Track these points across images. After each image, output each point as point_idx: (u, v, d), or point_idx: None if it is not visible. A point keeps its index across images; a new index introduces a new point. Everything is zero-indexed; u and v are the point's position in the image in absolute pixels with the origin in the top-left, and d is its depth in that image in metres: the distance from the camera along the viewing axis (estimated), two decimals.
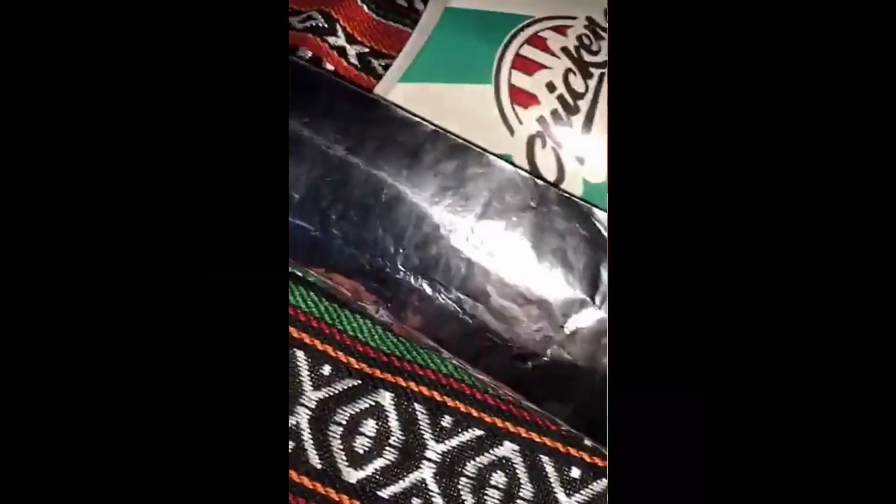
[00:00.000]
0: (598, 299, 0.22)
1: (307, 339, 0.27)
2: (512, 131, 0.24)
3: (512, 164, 0.24)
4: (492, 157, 0.23)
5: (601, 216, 0.23)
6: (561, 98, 0.24)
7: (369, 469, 0.25)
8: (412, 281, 0.23)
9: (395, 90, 0.25)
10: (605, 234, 0.22)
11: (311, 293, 0.27)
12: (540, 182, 0.23)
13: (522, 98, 0.24)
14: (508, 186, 0.23)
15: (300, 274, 0.25)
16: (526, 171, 0.23)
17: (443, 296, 0.23)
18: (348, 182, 0.23)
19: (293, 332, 0.27)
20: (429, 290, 0.23)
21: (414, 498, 0.24)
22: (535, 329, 0.22)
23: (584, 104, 0.24)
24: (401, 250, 0.23)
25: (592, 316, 0.22)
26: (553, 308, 0.22)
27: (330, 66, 0.29)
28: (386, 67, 0.26)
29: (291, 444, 0.25)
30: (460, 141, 0.23)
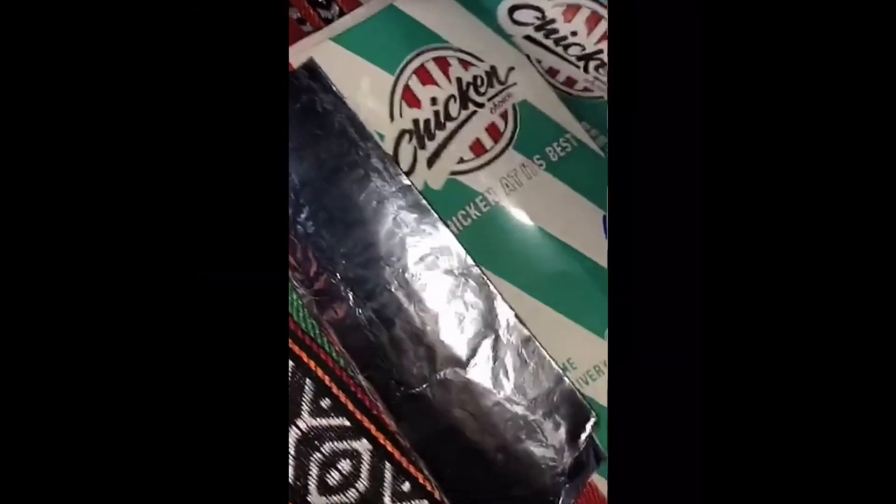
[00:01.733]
0: (470, 365, 0.27)
1: (320, 373, 0.30)
2: (392, 118, 0.30)
3: (397, 167, 0.29)
4: (441, 224, 0.28)
5: (503, 308, 0.28)
6: (436, 113, 0.30)
7: (333, 500, 0.29)
8: (341, 288, 0.28)
9: (325, 44, 0.30)
10: (501, 318, 0.28)
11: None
12: (470, 261, 0.28)
13: (410, 98, 0.30)
14: (445, 251, 0.28)
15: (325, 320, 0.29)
16: (391, 157, 0.29)
17: (358, 310, 0.28)
18: (331, 193, 0.28)
19: (308, 360, 0.30)
20: (351, 302, 0.28)
21: None
22: (417, 366, 0.27)
23: (450, 125, 0.30)
24: (343, 261, 0.28)
25: (461, 375, 0.27)
26: (436, 356, 0.27)
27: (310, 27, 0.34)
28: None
29: None
30: (424, 202, 0.28)
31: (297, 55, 0.31)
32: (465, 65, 0.31)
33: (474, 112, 0.31)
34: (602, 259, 0.30)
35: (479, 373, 0.27)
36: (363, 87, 0.30)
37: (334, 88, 0.29)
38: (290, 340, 0.31)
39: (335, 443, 0.30)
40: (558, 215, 0.30)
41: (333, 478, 0.29)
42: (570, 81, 0.35)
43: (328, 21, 0.35)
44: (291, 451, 0.29)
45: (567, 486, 0.27)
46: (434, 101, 0.30)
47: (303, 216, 0.28)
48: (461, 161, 0.30)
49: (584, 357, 0.29)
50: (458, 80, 0.31)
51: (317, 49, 0.30)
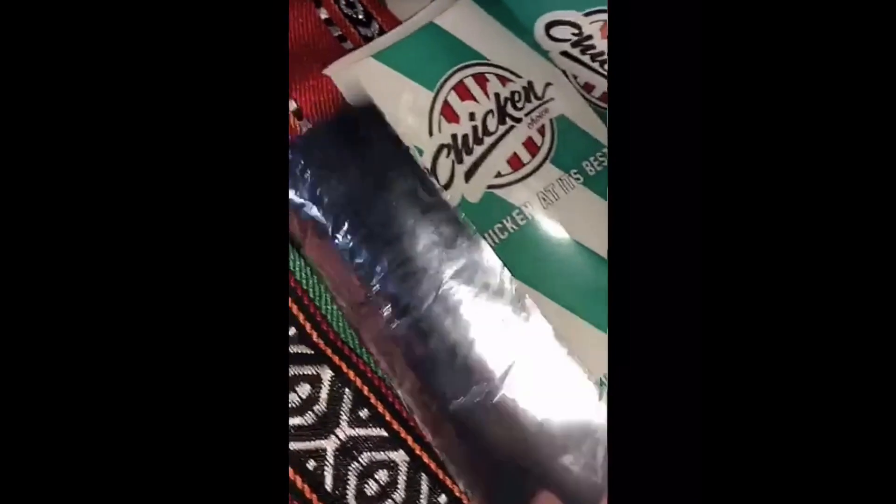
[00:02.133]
0: (501, 383, 0.27)
1: (359, 383, 0.31)
2: (431, 133, 0.30)
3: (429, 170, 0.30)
4: (478, 238, 0.29)
5: (540, 323, 0.28)
6: (474, 128, 0.31)
7: None
8: (380, 301, 0.28)
9: (366, 61, 0.31)
10: (538, 333, 0.28)
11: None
12: (507, 275, 0.28)
13: (449, 113, 0.31)
14: (482, 265, 0.28)
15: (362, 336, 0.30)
16: (431, 174, 0.30)
17: (396, 323, 0.28)
18: (370, 207, 0.29)
19: (348, 370, 0.31)
20: (388, 315, 0.28)
21: None
22: (453, 380, 0.28)
23: (488, 140, 0.31)
24: (382, 275, 0.28)
25: (497, 390, 0.27)
26: (472, 370, 0.28)
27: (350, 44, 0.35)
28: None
29: (313, 464, 0.29)
30: (462, 217, 0.29)
31: (339, 72, 0.32)
32: (503, 80, 0.32)
33: (512, 127, 0.31)
34: None
35: (515, 387, 0.27)
36: (403, 104, 0.31)
37: (375, 105, 0.30)
38: (329, 350, 0.32)
39: (373, 453, 0.30)
40: (595, 229, 0.31)
41: (371, 488, 0.30)
42: (607, 97, 0.35)
43: (368, 39, 0.36)
44: (330, 460, 0.30)
45: None
46: (472, 116, 0.31)
47: (343, 230, 0.29)
48: (498, 175, 0.31)
49: None
50: (496, 95, 0.31)
51: (358, 66, 0.31)
